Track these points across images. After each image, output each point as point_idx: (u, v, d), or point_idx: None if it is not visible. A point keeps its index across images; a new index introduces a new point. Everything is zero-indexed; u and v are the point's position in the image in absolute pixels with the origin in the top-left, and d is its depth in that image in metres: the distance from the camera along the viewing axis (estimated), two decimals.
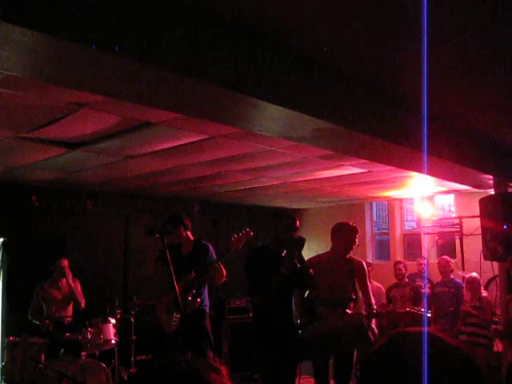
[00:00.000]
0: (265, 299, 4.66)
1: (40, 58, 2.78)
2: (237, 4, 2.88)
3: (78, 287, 7.01)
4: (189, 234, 6.00)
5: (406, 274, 8.57)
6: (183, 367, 1.22)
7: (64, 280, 6.95)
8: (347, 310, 5.01)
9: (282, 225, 4.91)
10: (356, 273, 5.23)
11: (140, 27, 2.78)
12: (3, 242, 7.66)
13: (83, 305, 6.84)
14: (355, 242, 5.42)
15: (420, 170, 6.09)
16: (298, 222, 5.04)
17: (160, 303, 5.68)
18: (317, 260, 5.40)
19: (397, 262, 8.74)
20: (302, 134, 4.16)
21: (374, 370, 1.29)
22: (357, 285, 5.21)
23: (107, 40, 2.65)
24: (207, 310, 5.85)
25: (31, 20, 2.38)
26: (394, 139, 4.54)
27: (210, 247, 5.99)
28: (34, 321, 6.59)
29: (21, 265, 7.59)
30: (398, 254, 10.50)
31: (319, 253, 5.71)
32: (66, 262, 6.92)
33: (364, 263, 5.47)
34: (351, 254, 5.43)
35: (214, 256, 5.85)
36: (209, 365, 1.25)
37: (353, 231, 5.46)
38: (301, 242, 4.83)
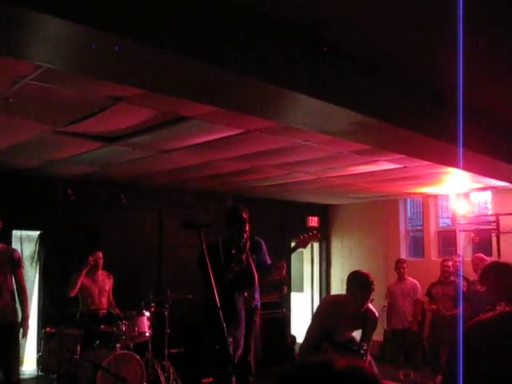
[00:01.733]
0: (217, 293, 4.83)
1: (82, 51, 2.81)
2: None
3: (111, 287, 7.07)
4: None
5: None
6: (348, 365, 1.21)
7: (99, 272, 7.02)
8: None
9: (234, 225, 5.12)
10: (368, 325, 4.95)
11: (180, 20, 2.79)
12: (39, 235, 7.81)
13: (118, 312, 6.76)
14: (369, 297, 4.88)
15: (456, 165, 5.98)
16: (247, 226, 5.18)
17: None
18: (335, 304, 5.05)
19: (444, 260, 8.53)
20: (338, 128, 4.13)
21: None
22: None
23: (149, 34, 2.67)
24: (258, 306, 5.86)
25: (74, 13, 2.40)
26: (430, 133, 4.47)
27: (263, 244, 5.96)
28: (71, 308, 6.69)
29: (57, 257, 7.72)
30: (432, 251, 10.37)
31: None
32: (100, 255, 7.00)
33: (377, 314, 5.09)
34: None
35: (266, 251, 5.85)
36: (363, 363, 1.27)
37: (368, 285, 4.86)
38: (254, 243, 5.35)
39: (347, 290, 4.89)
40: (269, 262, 5.72)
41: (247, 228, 5.21)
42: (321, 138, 5.32)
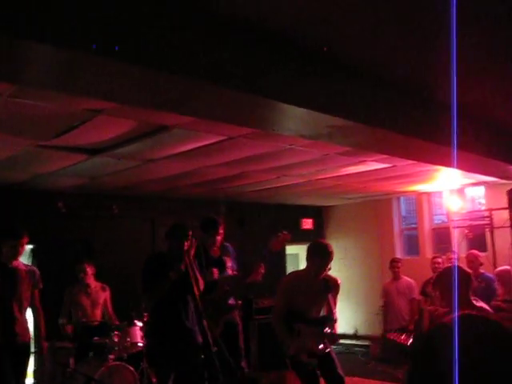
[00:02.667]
0: (151, 300, 5.30)
1: (55, 69, 2.82)
2: (256, 4, 2.86)
3: (108, 299, 7.06)
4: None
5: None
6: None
7: (92, 283, 7.01)
8: (325, 330, 4.95)
9: (176, 234, 5.20)
10: (332, 290, 5.07)
11: (154, 33, 2.80)
12: (32, 250, 7.79)
13: (117, 323, 6.71)
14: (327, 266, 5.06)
15: (446, 164, 5.99)
16: (190, 232, 5.26)
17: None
18: (295, 278, 5.27)
19: (434, 257, 8.53)
20: (316, 132, 4.12)
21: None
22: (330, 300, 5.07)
23: (125, 48, 2.67)
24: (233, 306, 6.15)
25: (46, 35, 2.42)
26: (414, 134, 4.46)
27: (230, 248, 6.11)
28: (66, 324, 6.66)
29: (49, 271, 7.68)
30: (427, 248, 10.37)
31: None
32: (87, 266, 6.97)
33: (339, 281, 5.20)
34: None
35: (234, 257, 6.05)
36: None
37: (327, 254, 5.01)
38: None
39: (307, 260, 5.05)
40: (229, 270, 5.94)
41: (187, 242, 5.20)
42: (304, 141, 5.32)
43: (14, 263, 5.29)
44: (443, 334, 1.40)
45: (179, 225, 5.38)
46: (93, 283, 7.01)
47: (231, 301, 5.99)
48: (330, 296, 4.99)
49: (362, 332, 10.73)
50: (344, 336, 10.72)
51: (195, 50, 2.98)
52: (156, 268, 5.14)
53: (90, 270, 6.93)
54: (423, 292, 8.36)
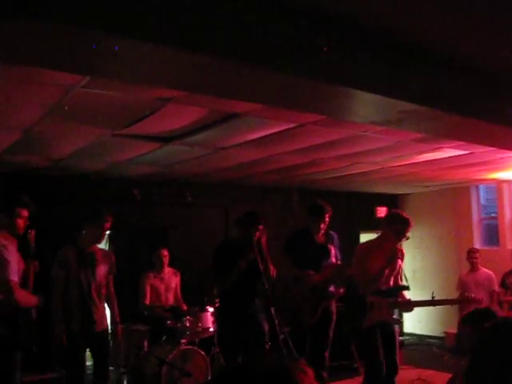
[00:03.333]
0: (220, 287, 5.51)
1: (125, 60, 2.87)
2: None
3: (178, 284, 7.23)
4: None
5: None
6: (274, 366, 1.23)
7: (166, 269, 7.19)
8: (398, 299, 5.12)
9: (247, 222, 5.37)
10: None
11: (227, 22, 2.79)
12: (109, 235, 8.05)
13: (185, 308, 6.90)
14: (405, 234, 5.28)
15: None
16: (262, 220, 5.45)
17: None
18: (370, 245, 5.45)
19: None
20: (387, 118, 4.01)
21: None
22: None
23: (188, 37, 2.68)
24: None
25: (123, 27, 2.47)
26: (489, 118, 4.26)
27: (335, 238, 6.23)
28: (144, 308, 6.84)
29: (126, 257, 7.94)
30: (507, 239, 9.94)
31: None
32: (165, 252, 7.16)
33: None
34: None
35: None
36: (297, 365, 1.27)
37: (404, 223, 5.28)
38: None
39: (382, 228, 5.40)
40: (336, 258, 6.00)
41: (260, 231, 5.38)
42: (376, 128, 5.20)
43: (92, 247, 5.21)
44: (506, 329, 1.30)
45: (251, 212, 5.43)
46: (166, 269, 7.20)
47: (332, 288, 5.96)
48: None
49: (438, 323, 10.44)
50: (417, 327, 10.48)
51: (264, 37, 2.95)
52: (226, 255, 5.21)
53: (165, 257, 7.11)
54: (503, 284, 8.05)
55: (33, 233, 4.97)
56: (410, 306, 5.20)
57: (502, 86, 4.14)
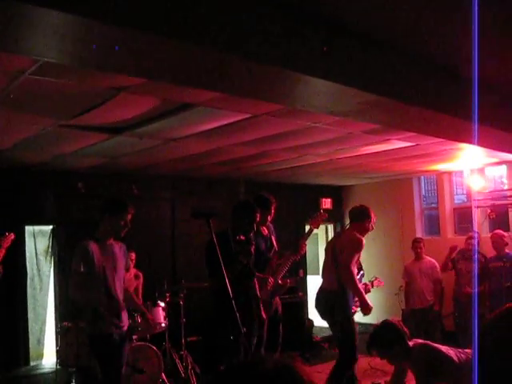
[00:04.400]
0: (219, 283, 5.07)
1: (76, 42, 2.74)
2: None
3: (139, 286, 7.07)
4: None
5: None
6: (279, 364, 1.23)
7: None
8: None
9: (247, 218, 5.30)
10: None
11: (179, 5, 2.70)
12: (52, 230, 7.80)
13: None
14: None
15: (470, 141, 5.86)
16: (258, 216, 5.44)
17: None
18: None
19: (469, 237, 8.33)
20: (347, 108, 4.02)
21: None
22: None
23: (146, 21, 2.58)
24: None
25: (67, 3, 2.33)
26: (442, 109, 4.35)
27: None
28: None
29: (70, 251, 7.70)
30: (448, 228, 10.24)
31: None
32: (132, 256, 6.96)
33: None
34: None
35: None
36: (299, 363, 1.25)
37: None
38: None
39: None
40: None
41: (257, 219, 5.39)
42: (330, 119, 5.22)
43: (110, 240, 4.73)
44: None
45: (247, 201, 5.62)
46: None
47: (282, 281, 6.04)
48: None
49: (381, 311, 10.66)
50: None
51: (223, 22, 2.88)
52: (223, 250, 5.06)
53: (133, 261, 6.95)
54: (454, 265, 8.24)
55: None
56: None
57: (459, 80, 4.22)
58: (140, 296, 7.03)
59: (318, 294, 5.92)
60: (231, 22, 2.91)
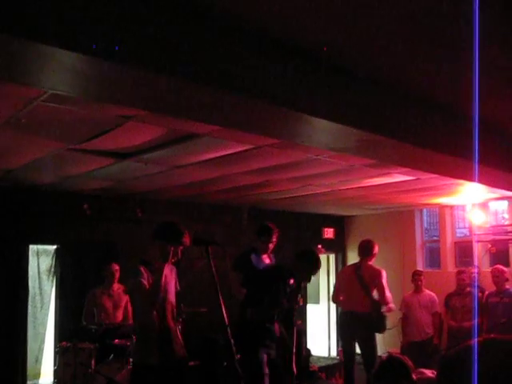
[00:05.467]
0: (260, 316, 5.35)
1: (86, 78, 2.88)
2: (285, 21, 2.90)
3: (129, 302, 7.14)
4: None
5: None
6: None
7: (115, 286, 7.10)
8: None
9: (307, 268, 5.39)
10: None
11: (182, 44, 2.84)
12: (56, 250, 7.90)
13: (131, 322, 6.87)
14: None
15: (470, 179, 5.97)
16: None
17: None
18: None
19: (460, 272, 8.47)
20: (345, 145, 4.14)
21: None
22: None
23: (152, 60, 2.72)
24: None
25: (80, 45, 2.47)
26: (440, 148, 4.46)
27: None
28: (89, 326, 6.70)
29: (73, 272, 7.81)
30: (449, 262, 10.29)
31: None
32: (116, 267, 7.08)
33: None
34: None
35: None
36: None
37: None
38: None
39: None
40: None
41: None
42: (331, 152, 5.33)
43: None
44: (465, 358, 1.36)
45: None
46: (116, 285, 7.10)
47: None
48: None
49: (380, 344, 10.66)
50: None
51: (224, 61, 3.01)
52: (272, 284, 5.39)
53: (117, 272, 7.02)
54: (446, 304, 8.31)
55: None
56: None
57: (455, 118, 4.33)
58: (130, 314, 7.10)
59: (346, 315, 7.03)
60: (232, 61, 3.04)
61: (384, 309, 7.02)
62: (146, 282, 4.27)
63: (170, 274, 4.59)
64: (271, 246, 6.15)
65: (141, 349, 4.37)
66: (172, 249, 4.40)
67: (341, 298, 7.37)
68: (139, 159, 5.78)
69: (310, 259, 5.41)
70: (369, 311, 6.92)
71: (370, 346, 7.11)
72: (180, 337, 4.58)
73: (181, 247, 4.49)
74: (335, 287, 7.81)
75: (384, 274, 7.16)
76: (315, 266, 5.38)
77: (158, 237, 4.48)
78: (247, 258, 6.10)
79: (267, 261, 6.15)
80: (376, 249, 7.29)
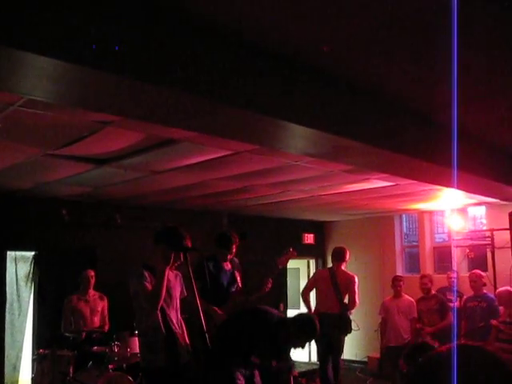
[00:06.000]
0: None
1: (60, 84, 2.87)
2: (259, 23, 2.91)
3: (105, 308, 7.13)
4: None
5: (434, 288, 8.47)
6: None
7: (91, 292, 7.07)
8: None
9: (301, 337, 4.86)
10: None
11: (160, 51, 2.84)
12: (34, 256, 7.83)
13: (107, 328, 6.91)
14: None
15: (448, 185, 6.04)
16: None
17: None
18: None
19: (422, 276, 8.64)
20: (322, 151, 4.16)
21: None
22: None
23: (127, 67, 2.72)
24: None
25: (55, 51, 2.47)
26: (418, 155, 4.51)
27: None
28: (67, 334, 6.64)
29: (51, 278, 7.74)
30: (428, 266, 10.37)
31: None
32: (92, 273, 7.05)
33: None
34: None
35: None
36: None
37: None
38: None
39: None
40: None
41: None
42: (310, 158, 5.36)
43: None
44: (438, 364, 1.37)
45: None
46: (91, 291, 7.07)
47: None
48: None
49: (360, 348, 10.71)
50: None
51: (200, 67, 3.02)
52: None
53: (92, 278, 6.99)
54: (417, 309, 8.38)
55: None
56: None
57: (433, 126, 4.38)
58: (107, 320, 7.08)
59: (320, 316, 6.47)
60: (208, 68, 3.05)
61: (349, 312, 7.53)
62: (149, 286, 4.23)
63: (174, 280, 4.54)
64: (230, 256, 5.97)
65: (146, 352, 4.30)
66: (173, 253, 4.31)
67: (309, 297, 7.83)
68: (118, 165, 5.75)
69: (312, 329, 4.84)
70: (339, 313, 7.38)
71: (338, 347, 7.53)
72: (187, 341, 4.50)
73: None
74: (308, 283, 8.10)
75: (357, 280, 7.64)
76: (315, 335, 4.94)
77: (160, 241, 4.42)
78: (203, 266, 5.90)
79: (228, 267, 6.03)
80: (348, 255, 7.82)
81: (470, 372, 1.24)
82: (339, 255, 7.77)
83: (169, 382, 4.25)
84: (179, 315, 4.50)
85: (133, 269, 4.48)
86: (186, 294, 4.61)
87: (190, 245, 4.33)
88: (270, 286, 5.88)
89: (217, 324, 5.37)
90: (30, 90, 3.02)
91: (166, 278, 4.24)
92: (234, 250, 5.94)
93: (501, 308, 7.45)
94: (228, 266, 6.00)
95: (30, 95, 3.20)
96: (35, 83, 2.91)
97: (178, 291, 4.55)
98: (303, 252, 10.24)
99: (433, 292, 8.38)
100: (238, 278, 6.06)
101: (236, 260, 6.21)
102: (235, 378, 4.62)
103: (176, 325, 4.40)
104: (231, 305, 5.76)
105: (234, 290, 5.93)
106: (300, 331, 4.72)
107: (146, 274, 4.33)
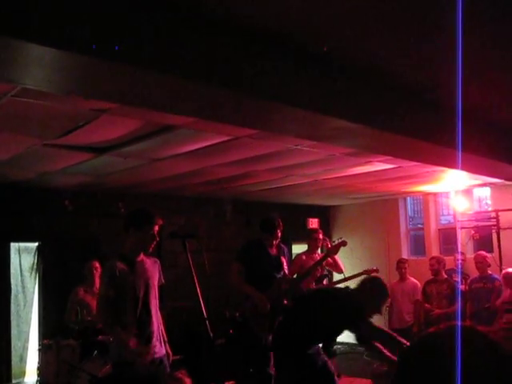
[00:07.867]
0: None
1: (54, 71, 2.83)
2: (259, 11, 2.85)
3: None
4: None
5: (443, 270, 8.35)
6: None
7: (97, 284, 7.04)
8: None
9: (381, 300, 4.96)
10: None
11: (160, 38, 2.79)
12: (38, 247, 7.83)
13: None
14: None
15: (452, 166, 5.97)
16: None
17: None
18: None
19: (431, 258, 8.53)
20: (320, 134, 4.11)
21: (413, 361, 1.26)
22: None
23: (123, 52, 2.67)
24: None
25: (49, 38, 2.42)
26: (422, 136, 4.44)
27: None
28: (71, 325, 6.64)
29: (55, 269, 7.74)
30: (433, 249, 10.33)
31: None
32: (96, 264, 7.02)
33: None
34: None
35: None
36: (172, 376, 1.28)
37: None
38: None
39: None
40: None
41: None
42: (311, 142, 5.31)
43: (140, 256, 4.29)
44: (434, 343, 1.31)
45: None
46: (98, 282, 7.04)
47: (286, 301, 5.88)
48: None
49: None
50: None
51: (196, 52, 2.97)
52: None
53: (97, 269, 6.96)
54: (424, 292, 8.32)
55: None
56: None
57: (437, 106, 4.31)
58: None
59: None
60: (203, 52, 3.00)
61: None
62: (111, 292, 4.10)
63: (152, 267, 4.40)
64: (275, 242, 5.97)
65: (118, 347, 4.22)
66: (149, 235, 4.24)
67: None
68: (118, 153, 5.72)
69: (383, 291, 4.86)
70: None
71: None
72: (163, 332, 4.45)
73: (156, 228, 4.27)
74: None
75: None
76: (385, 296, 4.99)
77: (130, 225, 4.29)
78: (250, 250, 5.96)
79: (273, 252, 5.98)
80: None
81: (462, 356, 1.18)
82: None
83: (139, 376, 4.09)
84: (158, 303, 4.38)
85: (109, 261, 4.33)
86: (163, 281, 4.56)
87: (160, 220, 4.29)
88: (318, 273, 6.02)
89: (258, 308, 5.56)
90: (20, 78, 2.97)
91: (134, 278, 4.17)
92: (278, 235, 5.91)
93: (505, 289, 7.41)
94: (273, 251, 5.95)
95: (22, 84, 3.16)
96: (27, 71, 2.86)
97: (156, 279, 4.41)
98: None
99: (444, 276, 8.22)
100: (285, 265, 6.00)
101: (284, 247, 6.15)
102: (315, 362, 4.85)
103: (154, 316, 4.27)
104: (276, 290, 5.74)
105: (279, 276, 5.88)
106: (376, 295, 4.71)
107: (120, 265, 4.19)
